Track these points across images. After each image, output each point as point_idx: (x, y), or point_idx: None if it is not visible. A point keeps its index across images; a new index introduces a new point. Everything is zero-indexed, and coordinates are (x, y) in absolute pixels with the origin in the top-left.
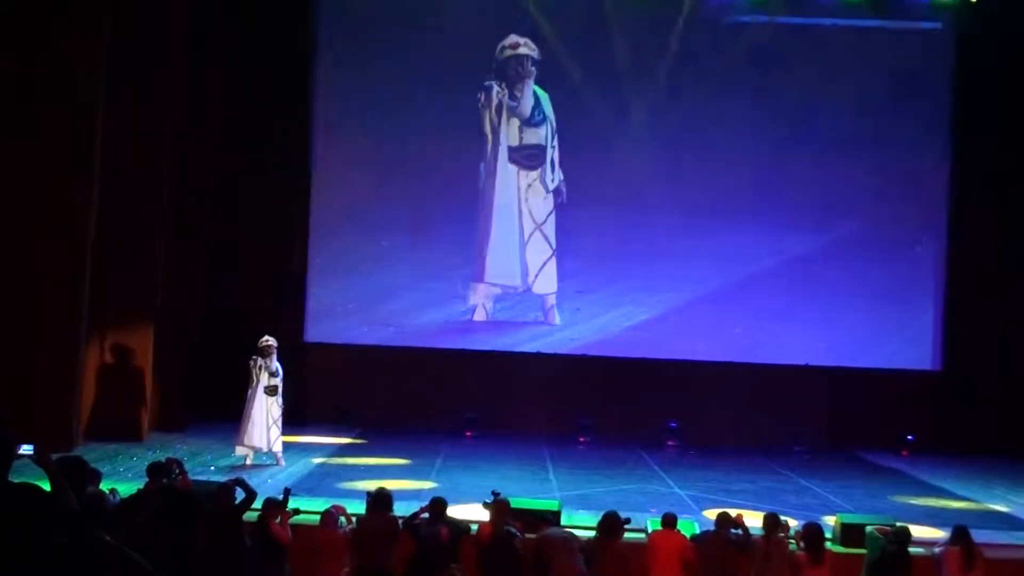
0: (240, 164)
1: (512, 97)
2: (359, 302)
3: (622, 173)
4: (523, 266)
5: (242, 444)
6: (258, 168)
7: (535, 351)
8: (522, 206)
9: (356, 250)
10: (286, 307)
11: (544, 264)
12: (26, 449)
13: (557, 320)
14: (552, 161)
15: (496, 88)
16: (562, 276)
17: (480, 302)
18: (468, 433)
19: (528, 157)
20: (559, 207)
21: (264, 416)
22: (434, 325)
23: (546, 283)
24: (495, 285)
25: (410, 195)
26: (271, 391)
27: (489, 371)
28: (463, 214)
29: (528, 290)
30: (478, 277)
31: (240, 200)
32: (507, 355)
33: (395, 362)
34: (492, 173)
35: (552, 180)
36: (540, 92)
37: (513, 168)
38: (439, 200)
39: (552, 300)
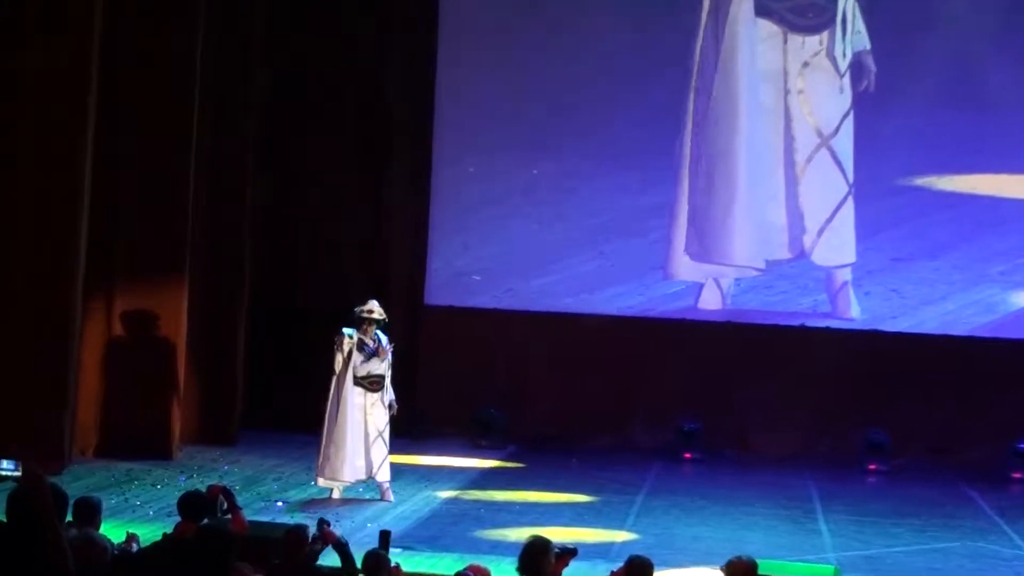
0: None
1: None
2: (507, 265)
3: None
4: (794, 218)
5: (325, 476)
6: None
7: (798, 325)
8: (791, 103)
9: (501, 190)
10: (392, 271)
11: (835, 212)
12: (6, 467)
13: (854, 311)
14: (845, 18)
15: None
16: (866, 232)
17: (709, 277)
18: (687, 454)
19: (798, 10)
20: (861, 103)
21: (360, 429)
22: (628, 305)
23: (836, 246)
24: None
25: (584, 107)
26: (372, 384)
27: (720, 364)
28: (668, 127)
29: (801, 258)
30: (706, 239)
31: (314, 122)
32: (747, 340)
33: (568, 350)
34: (724, 37)
35: (845, 53)
36: None
37: (770, 28)
38: (632, 104)
39: (845, 276)
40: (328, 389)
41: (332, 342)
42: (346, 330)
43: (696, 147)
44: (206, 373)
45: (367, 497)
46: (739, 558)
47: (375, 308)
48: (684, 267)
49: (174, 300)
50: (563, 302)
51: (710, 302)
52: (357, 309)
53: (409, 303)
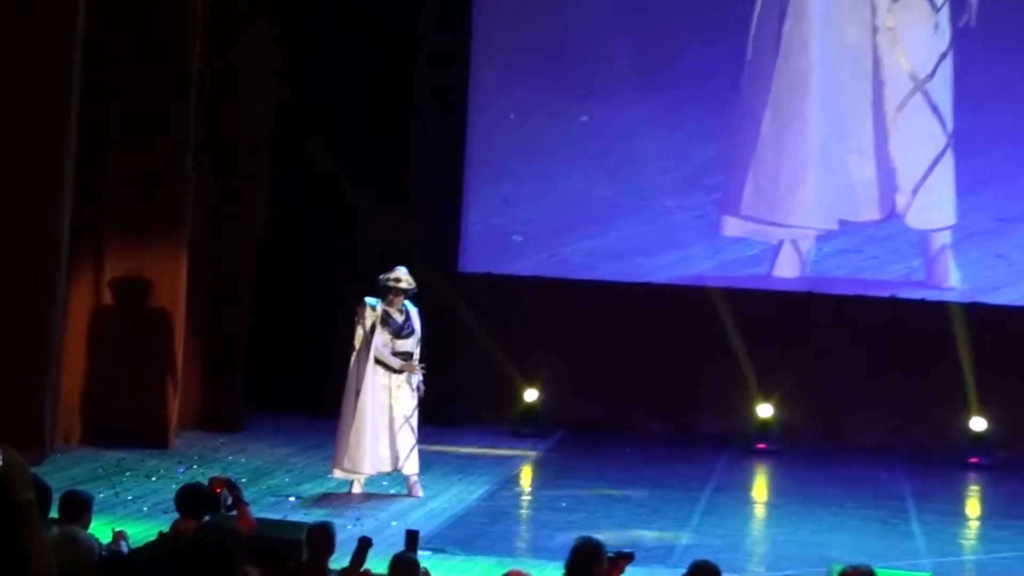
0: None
1: None
2: (552, 225)
3: None
4: (884, 174)
5: (343, 468)
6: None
7: (888, 296)
8: (880, 42)
9: (545, 140)
10: (421, 232)
11: (931, 167)
12: None
13: (952, 279)
14: None
15: None
16: (968, 189)
17: (785, 240)
18: (760, 444)
19: None
20: (960, 42)
21: (384, 414)
22: (691, 272)
23: (933, 206)
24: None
25: (640, 46)
26: (398, 364)
27: (798, 340)
28: (734, 70)
29: (893, 219)
30: (774, 195)
31: (333, 52)
32: (830, 313)
33: (622, 323)
34: None
35: None
36: None
37: None
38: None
39: (944, 240)
40: (347, 368)
41: (352, 314)
42: (369, 300)
43: (766, 92)
44: (207, 349)
45: (392, 492)
46: (855, 568)
47: (403, 276)
48: (751, 228)
49: (172, 265)
50: (616, 268)
51: (787, 268)
52: (382, 277)
53: (441, 270)
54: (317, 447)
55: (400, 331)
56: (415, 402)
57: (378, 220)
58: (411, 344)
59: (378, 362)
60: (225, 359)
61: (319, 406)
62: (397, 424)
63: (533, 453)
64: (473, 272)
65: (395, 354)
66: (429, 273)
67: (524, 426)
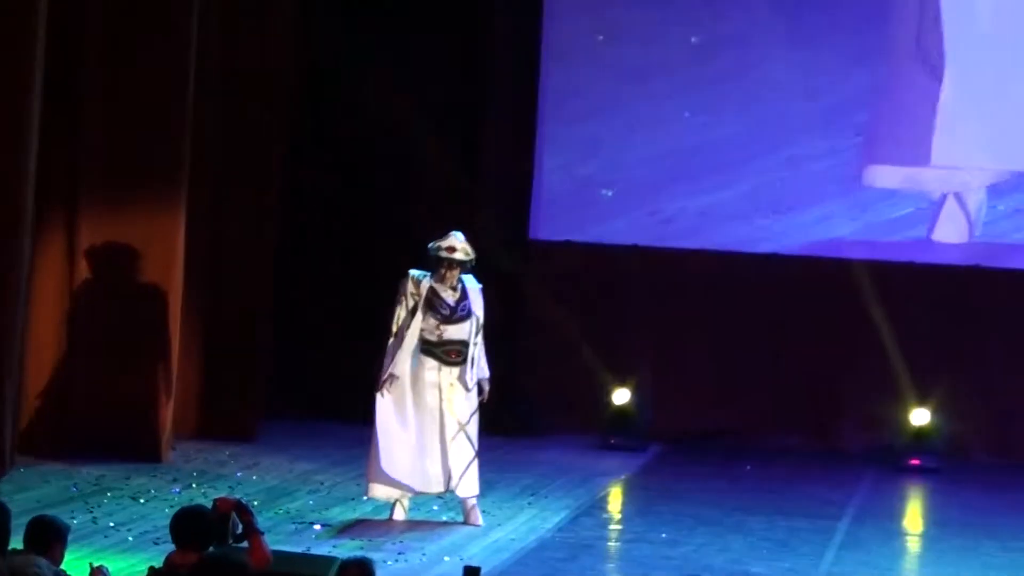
0: None
1: None
2: (649, 178)
3: None
4: None
5: (379, 481)
6: None
7: None
8: None
9: (639, 64)
10: (484, 190)
11: None
12: None
13: None
14: None
15: None
16: None
17: (946, 190)
18: (914, 460)
19: None
20: None
21: (433, 420)
22: (827, 236)
23: None
24: None
25: None
26: (450, 354)
27: (964, 327)
28: None
29: None
30: (930, 137)
31: None
32: (1005, 292)
33: (736, 305)
34: None
35: None
36: None
37: None
38: None
39: None
40: (383, 367)
41: (394, 292)
42: (415, 272)
43: (922, 5)
44: (211, 337)
45: (444, 519)
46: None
47: (457, 243)
48: (903, 176)
49: (166, 233)
50: (733, 232)
51: (951, 231)
52: (432, 245)
53: (508, 237)
54: (348, 461)
55: (451, 314)
56: (474, 405)
57: (429, 170)
58: (466, 331)
59: (426, 352)
60: (234, 350)
61: (352, 410)
62: (450, 433)
63: (623, 470)
64: (550, 239)
65: (442, 344)
66: (493, 241)
67: (614, 436)
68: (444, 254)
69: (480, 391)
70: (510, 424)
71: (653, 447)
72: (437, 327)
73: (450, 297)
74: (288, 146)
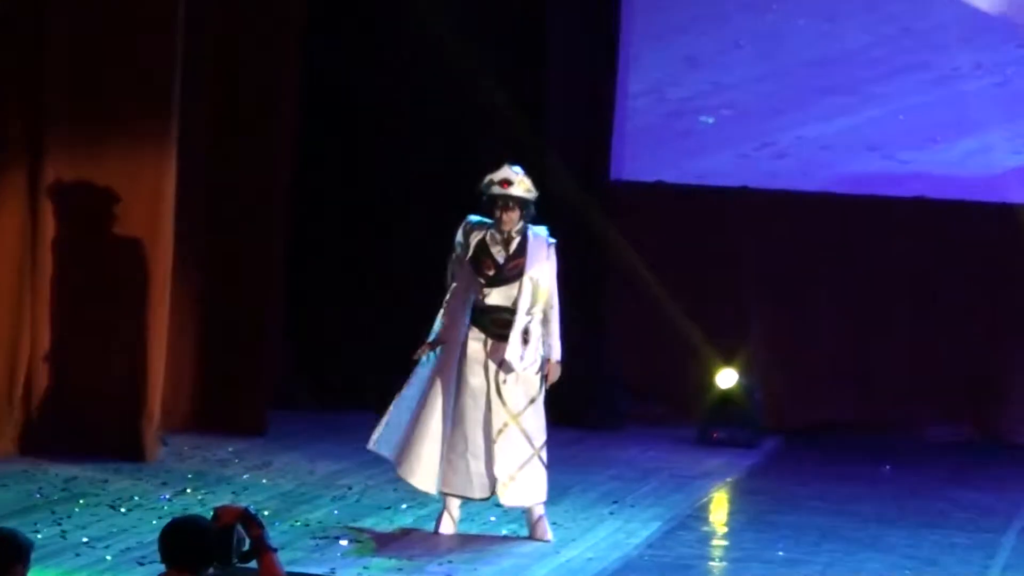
0: None
1: None
2: (763, 99)
3: None
4: None
5: (411, 472)
6: None
7: None
8: None
9: None
10: (553, 122)
11: None
12: None
13: None
14: None
15: None
16: None
17: None
18: None
19: None
20: None
21: (477, 407)
22: (990, 171)
23: None
24: None
25: None
26: (499, 323)
27: None
28: None
29: None
30: None
31: None
32: None
33: (868, 261)
34: None
35: None
36: None
37: None
38: None
39: None
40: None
41: (444, 250)
42: (472, 218)
43: None
44: (212, 310)
45: (504, 533)
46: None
47: (514, 176)
48: None
49: (152, 181)
50: (869, 169)
51: None
52: (487, 179)
53: (584, 178)
54: (382, 461)
55: (496, 275)
56: (532, 392)
57: (480, 97)
58: (513, 296)
59: (474, 319)
60: (239, 325)
61: (386, 399)
62: (497, 424)
63: (730, 471)
64: (635, 181)
65: (487, 311)
66: (565, 185)
67: (718, 427)
68: (497, 190)
69: (542, 372)
70: (586, 414)
71: (767, 442)
72: (482, 289)
73: (499, 252)
74: (300, 79)
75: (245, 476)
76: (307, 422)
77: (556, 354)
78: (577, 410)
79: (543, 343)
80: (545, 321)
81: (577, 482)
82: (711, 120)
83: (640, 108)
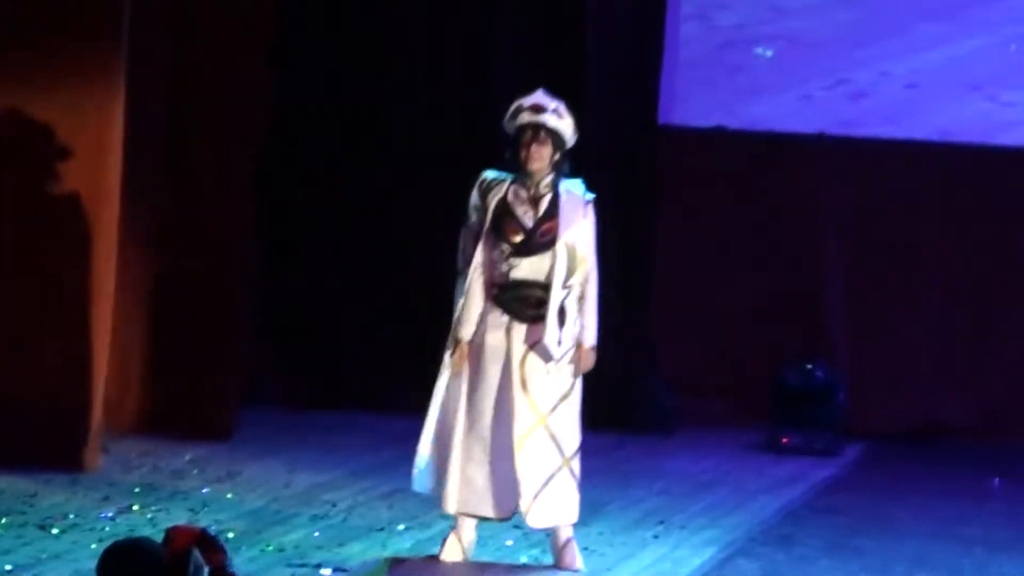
0: None
1: None
2: (829, 33)
3: None
4: None
5: (444, 501)
6: None
7: None
8: None
9: None
10: (592, 59)
11: None
12: None
13: None
14: None
15: None
16: None
17: None
18: None
19: None
20: None
21: (503, 400)
22: None
23: None
24: None
25: None
26: (524, 301)
27: None
28: None
29: None
30: None
31: None
32: None
33: (971, 223)
34: None
35: None
36: None
37: None
38: None
39: None
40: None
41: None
42: (488, 174)
43: None
44: (167, 289)
45: (523, 560)
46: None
47: (545, 102)
48: None
49: (95, 118)
50: (965, 111)
51: None
52: (515, 105)
53: (627, 125)
54: (374, 471)
55: (526, 241)
56: (565, 386)
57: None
58: (546, 268)
59: (494, 298)
60: (201, 308)
61: (379, 397)
62: (521, 428)
63: (805, 482)
64: (687, 125)
65: (511, 287)
66: (606, 130)
67: (787, 432)
68: (527, 117)
69: (574, 360)
70: (627, 414)
71: (850, 450)
72: (506, 259)
73: (526, 213)
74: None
75: (205, 490)
76: (282, 424)
77: (591, 338)
78: (616, 409)
79: (578, 324)
80: (580, 297)
81: (615, 498)
82: (769, 53)
83: (690, 39)
